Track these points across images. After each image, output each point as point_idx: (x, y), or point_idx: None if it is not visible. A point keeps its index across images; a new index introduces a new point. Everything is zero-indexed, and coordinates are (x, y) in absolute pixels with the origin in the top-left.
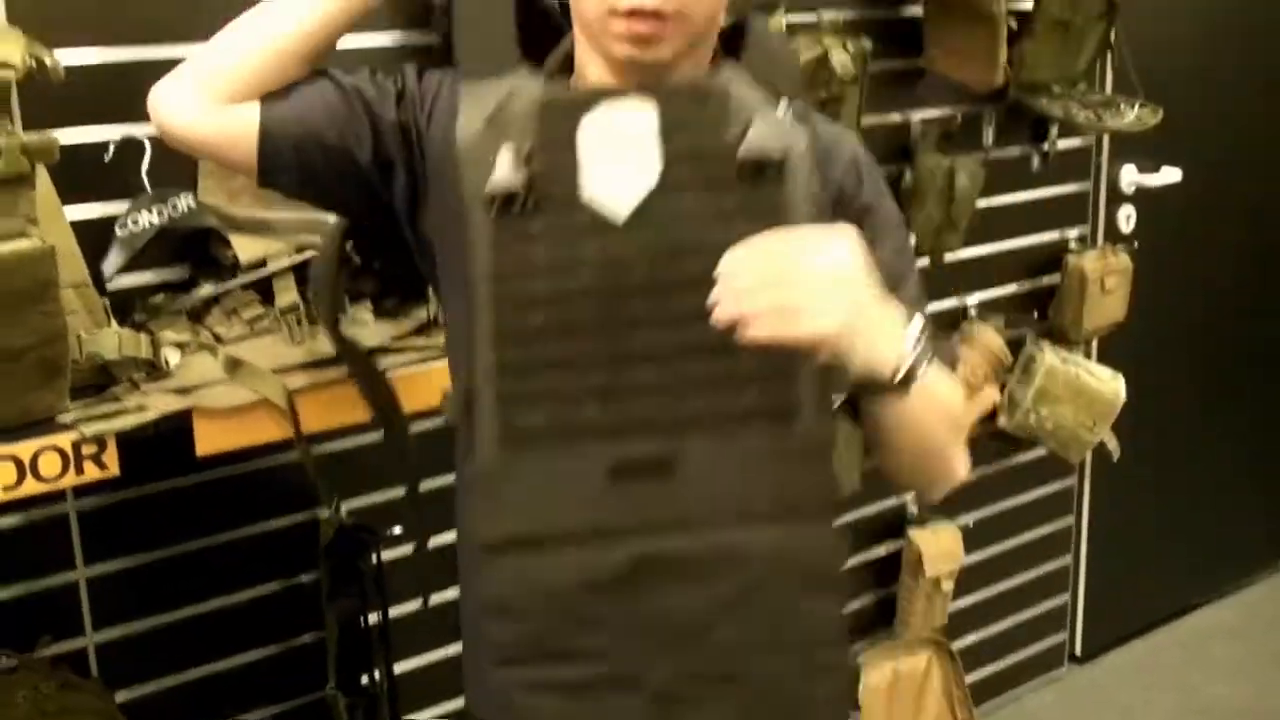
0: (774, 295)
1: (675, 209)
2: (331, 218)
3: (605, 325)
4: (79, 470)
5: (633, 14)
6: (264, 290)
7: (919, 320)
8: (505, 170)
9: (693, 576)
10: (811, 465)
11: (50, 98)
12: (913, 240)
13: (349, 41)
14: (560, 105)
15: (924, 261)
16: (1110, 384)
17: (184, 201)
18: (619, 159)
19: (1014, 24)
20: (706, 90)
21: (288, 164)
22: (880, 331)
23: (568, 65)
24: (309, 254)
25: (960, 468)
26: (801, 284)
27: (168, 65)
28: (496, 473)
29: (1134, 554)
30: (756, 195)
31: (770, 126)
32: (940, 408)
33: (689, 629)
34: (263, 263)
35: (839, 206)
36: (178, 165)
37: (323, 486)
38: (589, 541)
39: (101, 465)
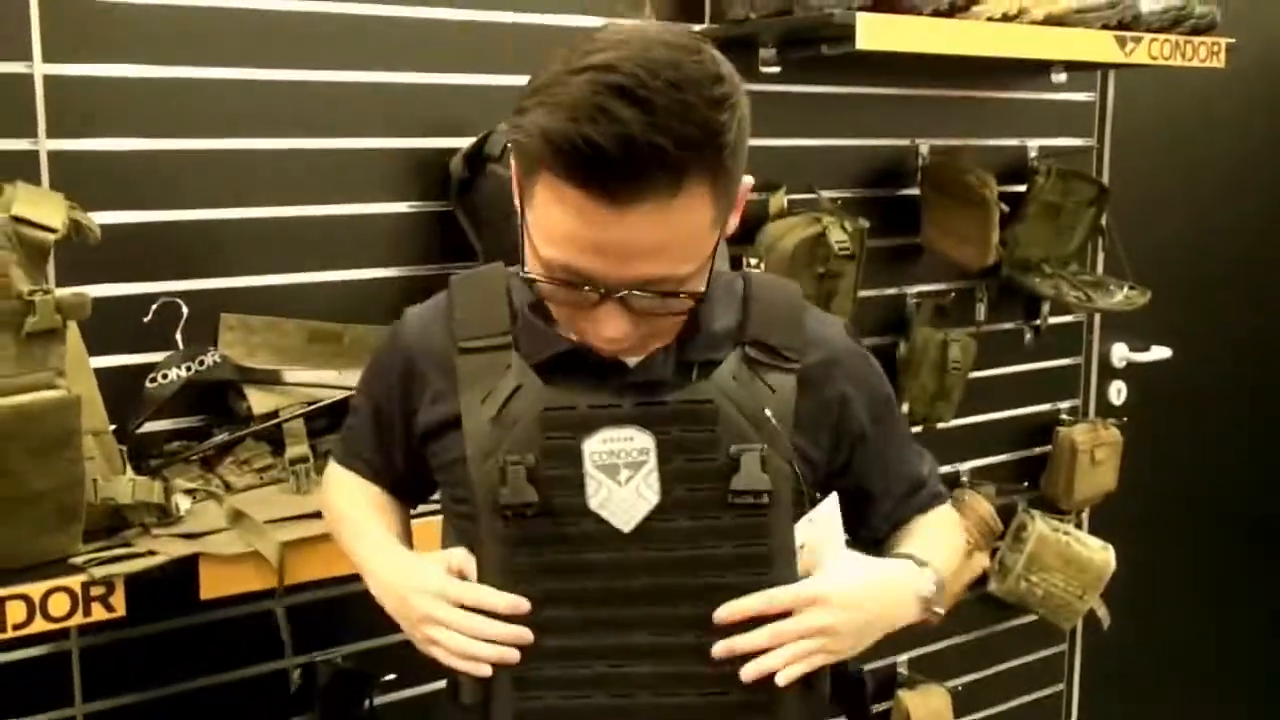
0: (825, 643)
1: (673, 527)
2: (350, 377)
3: (609, 624)
4: (86, 611)
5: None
6: (275, 441)
7: (930, 583)
8: (518, 485)
9: None
10: None
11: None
12: (905, 408)
13: (369, 209)
14: (562, 421)
15: (918, 429)
16: (1100, 554)
17: (210, 357)
18: (622, 480)
19: (1005, 207)
20: (699, 414)
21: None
22: (912, 596)
23: None
24: (317, 406)
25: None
26: (856, 630)
27: (204, 226)
28: None
29: (1126, 716)
30: (745, 519)
31: (755, 463)
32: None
33: None
34: (275, 414)
35: (843, 415)
36: (204, 323)
37: (288, 642)
38: None
39: (109, 607)
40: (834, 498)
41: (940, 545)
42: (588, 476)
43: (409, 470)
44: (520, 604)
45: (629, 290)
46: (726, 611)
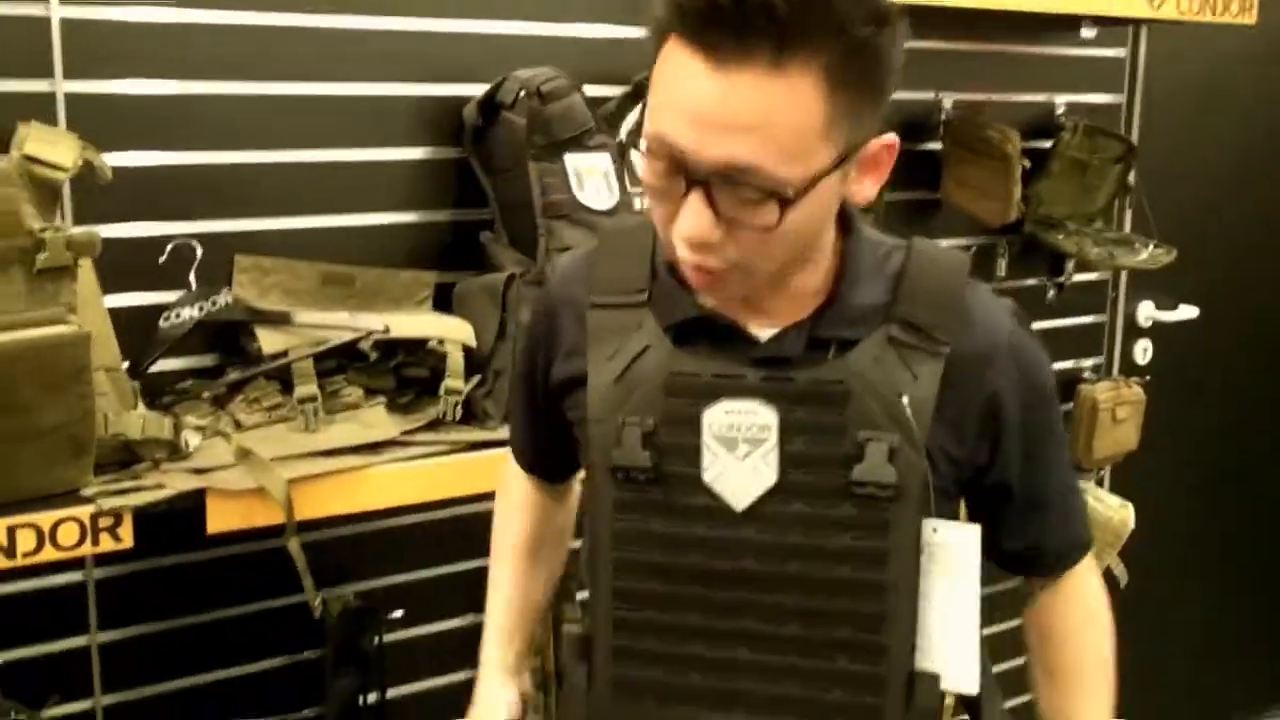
0: None
1: (787, 510)
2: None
3: (711, 604)
4: (95, 541)
5: (690, 263)
6: (285, 381)
7: None
8: (632, 448)
9: None
10: None
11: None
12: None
13: (384, 154)
14: (685, 387)
15: None
16: (1119, 512)
17: (223, 298)
18: (740, 455)
19: (1028, 163)
20: (827, 396)
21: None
22: None
23: None
24: (327, 346)
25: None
26: None
27: (220, 169)
28: (609, 715)
29: (1143, 681)
30: (865, 511)
31: (883, 453)
32: None
33: None
34: (284, 354)
35: (991, 411)
36: (220, 264)
37: (306, 578)
38: None
39: (117, 538)
40: (973, 533)
41: (1104, 690)
42: (704, 447)
43: (554, 435)
44: None
45: (714, 174)
46: None
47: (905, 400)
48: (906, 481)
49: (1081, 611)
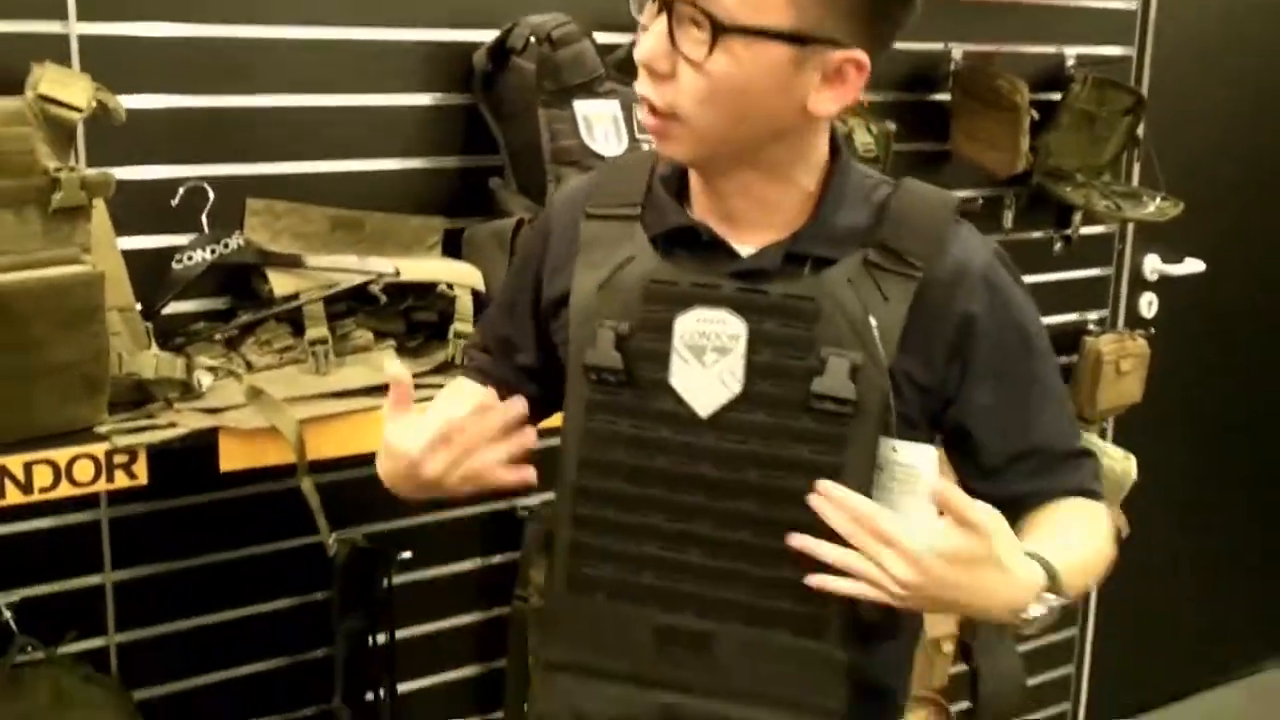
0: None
1: (749, 420)
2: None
3: (669, 506)
4: (110, 478)
5: (643, 102)
6: (296, 323)
7: (1044, 587)
8: (605, 348)
9: None
10: (829, 677)
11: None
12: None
13: (395, 100)
14: (662, 294)
15: None
16: (1122, 463)
17: (235, 240)
18: (708, 363)
19: (1036, 114)
20: (797, 310)
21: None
22: (996, 609)
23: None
24: (338, 289)
25: (1109, 556)
26: (944, 593)
27: (232, 113)
28: (562, 608)
29: (1142, 631)
30: (823, 425)
31: (844, 369)
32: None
33: None
34: (295, 296)
35: (962, 337)
36: (231, 208)
37: (320, 517)
38: (629, 684)
39: (131, 475)
40: (930, 453)
41: (1082, 550)
42: (674, 353)
43: (538, 359)
44: (511, 406)
45: None
46: (832, 496)
47: (873, 321)
48: (866, 399)
49: (1082, 503)
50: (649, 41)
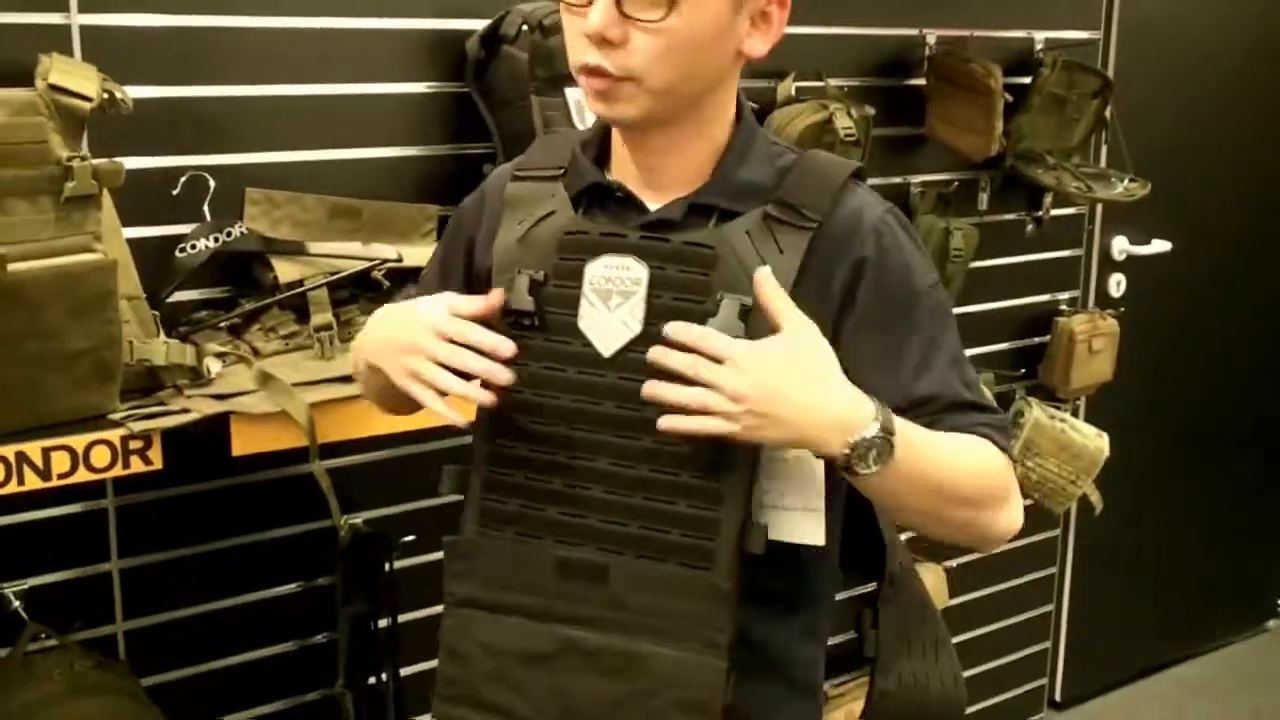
0: (750, 411)
1: (647, 359)
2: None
3: (573, 443)
4: (125, 464)
5: (591, 72)
6: (300, 310)
7: (872, 417)
8: (520, 293)
9: (603, 671)
10: (715, 608)
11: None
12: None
13: (389, 89)
14: (575, 244)
15: None
16: (1095, 440)
17: (237, 229)
18: (612, 306)
19: (1009, 98)
20: (695, 256)
21: None
22: (826, 428)
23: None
24: (343, 275)
25: (996, 531)
26: (774, 402)
27: (230, 102)
28: (472, 544)
29: (1115, 606)
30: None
31: (734, 310)
32: (920, 485)
33: (591, 715)
34: (300, 284)
35: (851, 283)
36: (230, 197)
37: (332, 499)
38: (530, 618)
39: (146, 460)
40: None
41: (938, 438)
42: (583, 298)
43: None
44: (502, 344)
45: None
46: (672, 329)
47: (768, 269)
48: (756, 338)
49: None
50: (599, 14)
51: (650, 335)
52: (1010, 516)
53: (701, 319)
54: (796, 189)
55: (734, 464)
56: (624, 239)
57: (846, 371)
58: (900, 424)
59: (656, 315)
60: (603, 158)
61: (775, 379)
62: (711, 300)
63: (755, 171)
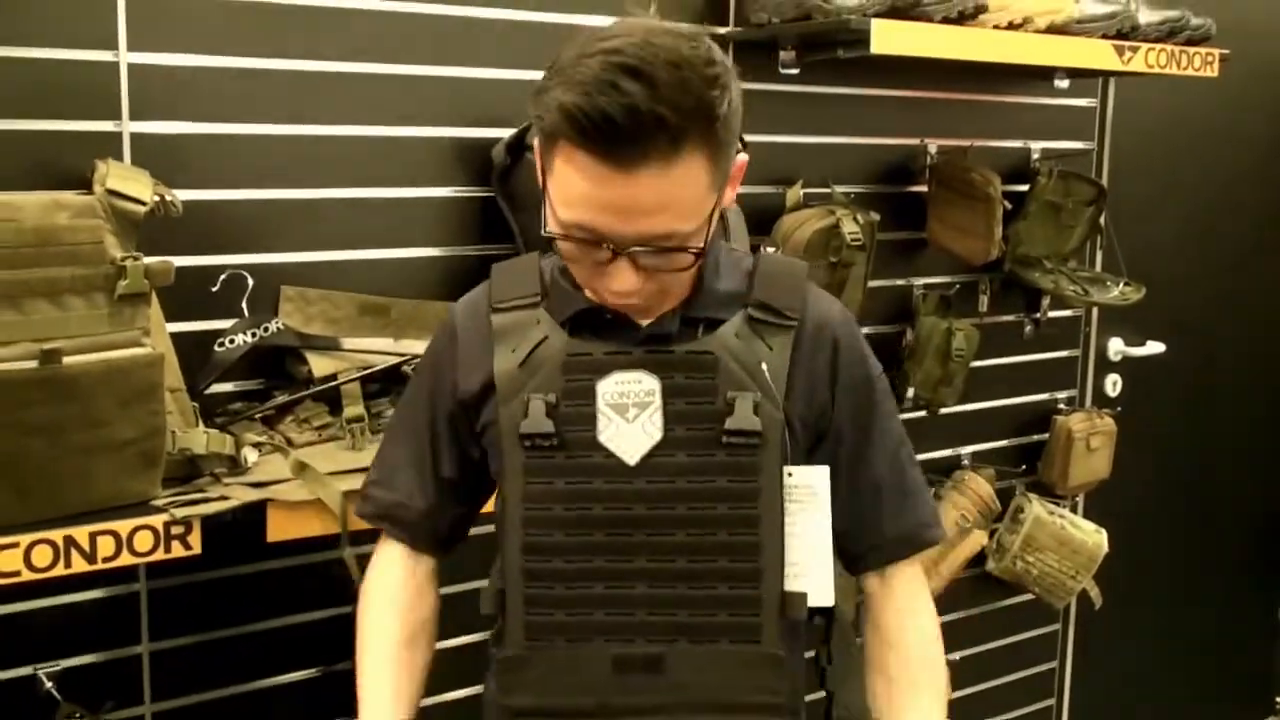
0: None
1: (672, 461)
2: (404, 345)
3: (610, 548)
4: (167, 549)
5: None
6: (332, 402)
7: None
8: (538, 417)
9: None
10: (773, 675)
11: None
12: (910, 393)
13: (418, 193)
14: (580, 365)
15: (921, 413)
16: (1094, 536)
17: (274, 324)
18: (630, 417)
19: (1009, 205)
20: (700, 363)
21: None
22: None
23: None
24: (374, 370)
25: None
26: None
27: (268, 205)
28: (522, 658)
29: (1115, 700)
30: (736, 457)
31: (749, 406)
32: None
33: None
34: (333, 377)
35: (832, 371)
36: (264, 294)
37: (361, 584)
38: (588, 716)
39: (187, 545)
40: (823, 473)
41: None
42: (599, 413)
43: (456, 468)
44: None
45: (635, 246)
46: None
47: (764, 366)
48: (769, 430)
49: (909, 610)
50: (623, 281)
51: (671, 439)
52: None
53: (716, 418)
54: (770, 292)
55: (767, 545)
56: (629, 355)
57: (828, 453)
58: None
59: (674, 420)
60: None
61: None
62: (721, 400)
63: (730, 281)
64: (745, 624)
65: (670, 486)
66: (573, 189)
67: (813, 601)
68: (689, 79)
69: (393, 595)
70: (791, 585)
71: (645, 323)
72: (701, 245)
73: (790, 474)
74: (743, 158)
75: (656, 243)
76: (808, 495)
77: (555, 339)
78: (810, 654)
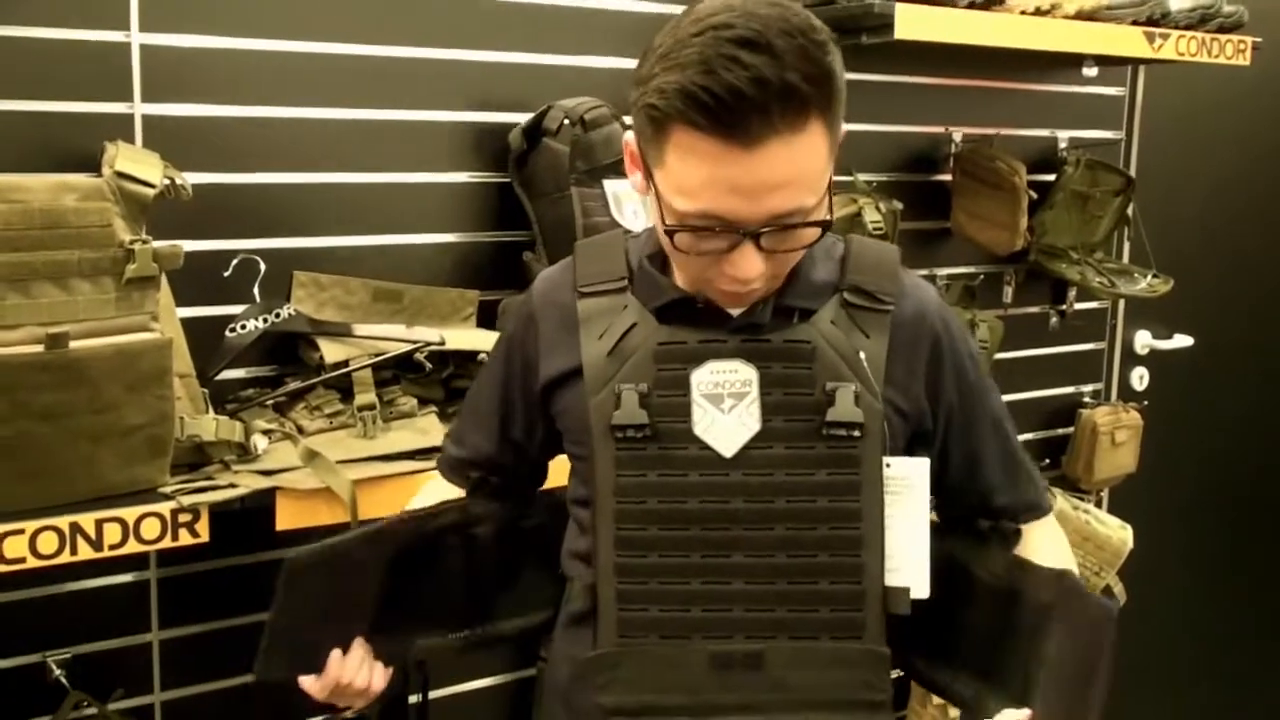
0: None
1: (770, 454)
2: (418, 332)
3: (707, 543)
4: (174, 536)
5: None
6: (344, 390)
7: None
8: (630, 408)
9: None
10: (876, 673)
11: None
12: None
13: (433, 178)
14: (673, 354)
15: None
16: (1118, 532)
17: (286, 310)
18: (726, 409)
19: (1034, 194)
20: (798, 353)
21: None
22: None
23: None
24: (387, 357)
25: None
26: None
27: (282, 189)
28: (617, 655)
29: (1138, 697)
30: (837, 450)
31: (849, 397)
32: None
33: None
34: (345, 364)
35: (933, 358)
36: (277, 279)
37: None
38: (691, 715)
39: (194, 533)
40: (923, 465)
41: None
42: (694, 404)
43: (524, 434)
44: None
45: (765, 227)
46: None
47: (863, 356)
48: (870, 421)
49: (1048, 544)
50: (749, 266)
51: (769, 431)
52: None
53: (815, 409)
54: (864, 277)
55: (869, 539)
56: (724, 344)
57: (933, 441)
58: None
59: (771, 411)
60: (666, 266)
61: None
62: (819, 390)
63: (823, 270)
64: (847, 619)
65: (769, 480)
66: (693, 176)
67: (912, 594)
68: (806, 46)
69: (444, 488)
70: (889, 580)
71: (737, 312)
72: (826, 218)
73: (889, 465)
74: (844, 128)
75: (784, 220)
76: (904, 487)
77: (645, 326)
78: None
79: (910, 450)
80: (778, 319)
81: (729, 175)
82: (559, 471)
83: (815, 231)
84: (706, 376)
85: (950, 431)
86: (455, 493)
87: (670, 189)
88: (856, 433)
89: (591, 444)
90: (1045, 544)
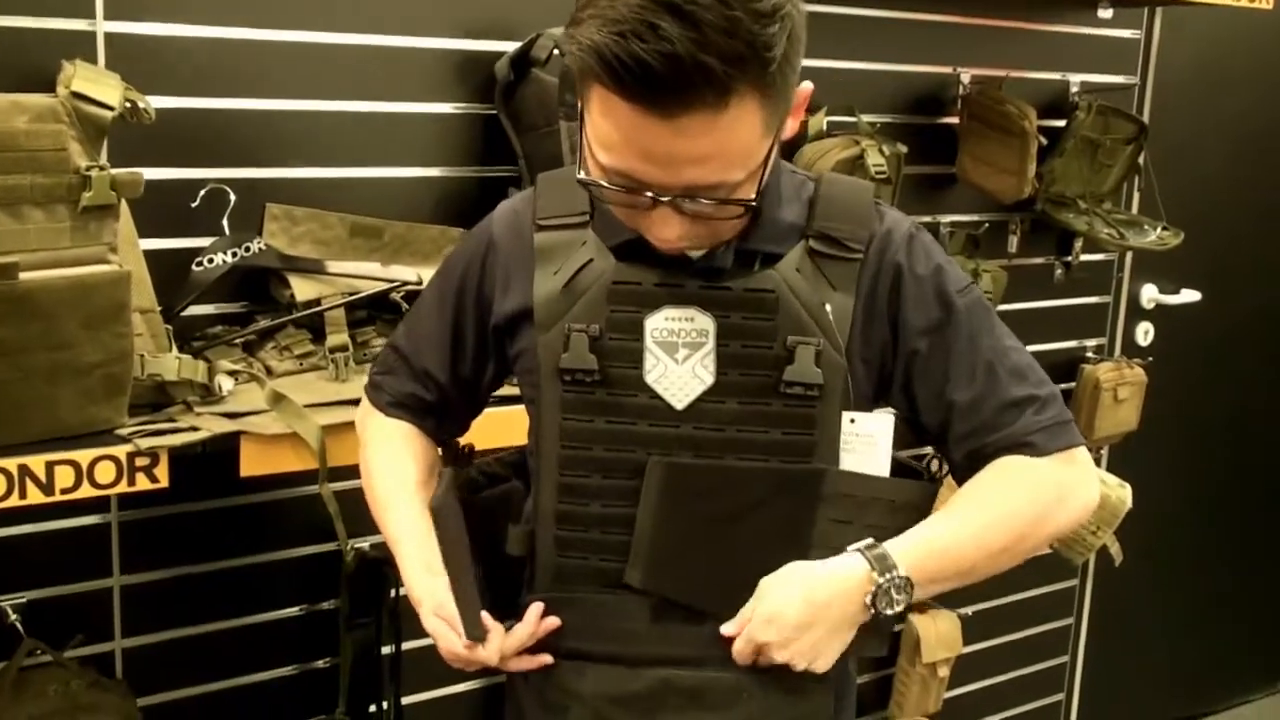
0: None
1: (723, 408)
2: (394, 270)
3: None
4: (130, 481)
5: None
6: (315, 330)
7: (868, 576)
8: (579, 351)
9: (708, 706)
10: None
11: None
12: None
13: (415, 108)
14: (628, 295)
15: None
16: (1117, 491)
17: (256, 244)
18: (680, 358)
19: (1044, 140)
20: (760, 302)
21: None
22: (850, 615)
23: None
24: (361, 296)
25: (1061, 528)
26: (810, 647)
27: (253, 116)
28: (552, 601)
29: (1131, 660)
30: (793, 408)
31: (810, 355)
32: (957, 569)
33: None
34: (317, 303)
35: (893, 298)
36: (249, 211)
37: (339, 523)
38: (624, 664)
39: (153, 478)
40: (887, 421)
41: (962, 522)
42: (647, 351)
43: (473, 371)
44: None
45: (679, 196)
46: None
47: (828, 307)
48: (830, 381)
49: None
50: (667, 229)
51: (723, 384)
52: (1071, 506)
53: (774, 365)
54: (832, 221)
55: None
56: (682, 289)
57: (901, 384)
58: (904, 543)
59: (727, 364)
60: None
61: (788, 621)
62: (780, 345)
63: (789, 211)
64: None
65: (719, 435)
66: (610, 135)
67: None
68: (739, 18)
69: (405, 436)
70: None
71: (697, 254)
72: (753, 195)
73: (852, 420)
74: (806, 86)
75: (703, 193)
76: (867, 445)
77: (601, 263)
78: None
79: (880, 394)
80: (739, 263)
81: (643, 141)
82: None
83: (737, 208)
84: (661, 323)
85: (913, 369)
86: (415, 436)
87: (594, 138)
88: (815, 392)
89: (539, 385)
90: (993, 474)
